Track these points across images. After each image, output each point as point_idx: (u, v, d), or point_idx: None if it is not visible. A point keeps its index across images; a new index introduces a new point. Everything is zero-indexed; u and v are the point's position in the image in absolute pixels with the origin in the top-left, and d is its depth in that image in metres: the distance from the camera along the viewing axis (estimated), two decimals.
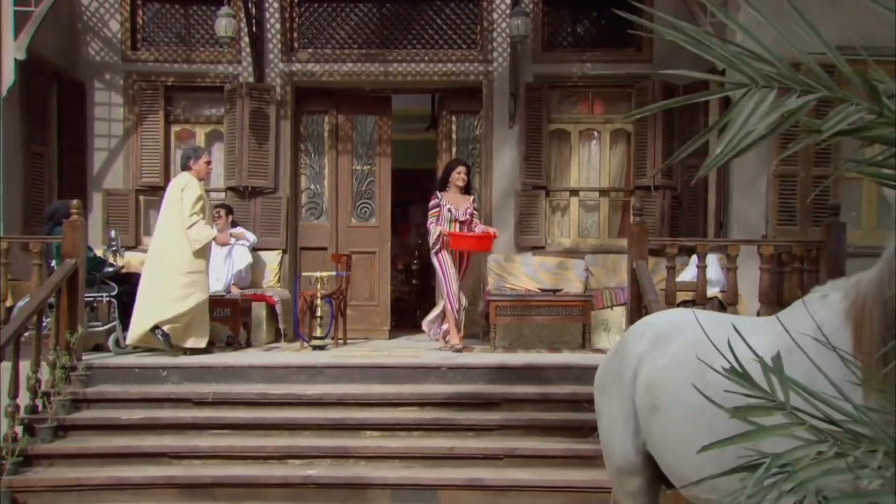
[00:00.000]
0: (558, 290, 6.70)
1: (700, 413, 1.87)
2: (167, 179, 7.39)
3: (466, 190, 6.34)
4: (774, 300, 4.81)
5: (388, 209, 7.98)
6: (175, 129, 7.73)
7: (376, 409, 4.75)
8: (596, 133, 7.60)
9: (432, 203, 6.21)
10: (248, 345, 6.46)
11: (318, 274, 6.43)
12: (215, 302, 6.15)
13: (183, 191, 5.53)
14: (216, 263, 6.77)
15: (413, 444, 4.52)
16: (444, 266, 6.17)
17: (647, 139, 7.15)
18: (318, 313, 6.34)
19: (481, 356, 5.71)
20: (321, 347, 6.24)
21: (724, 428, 1.68)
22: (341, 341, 6.58)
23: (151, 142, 7.53)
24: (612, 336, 6.56)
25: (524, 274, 7.23)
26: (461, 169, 6.24)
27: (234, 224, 7.17)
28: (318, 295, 6.38)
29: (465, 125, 7.87)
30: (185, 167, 5.71)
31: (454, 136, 7.87)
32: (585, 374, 4.96)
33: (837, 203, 4.70)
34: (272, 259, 7.45)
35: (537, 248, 7.43)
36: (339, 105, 7.83)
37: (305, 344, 6.34)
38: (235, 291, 6.67)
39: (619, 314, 6.71)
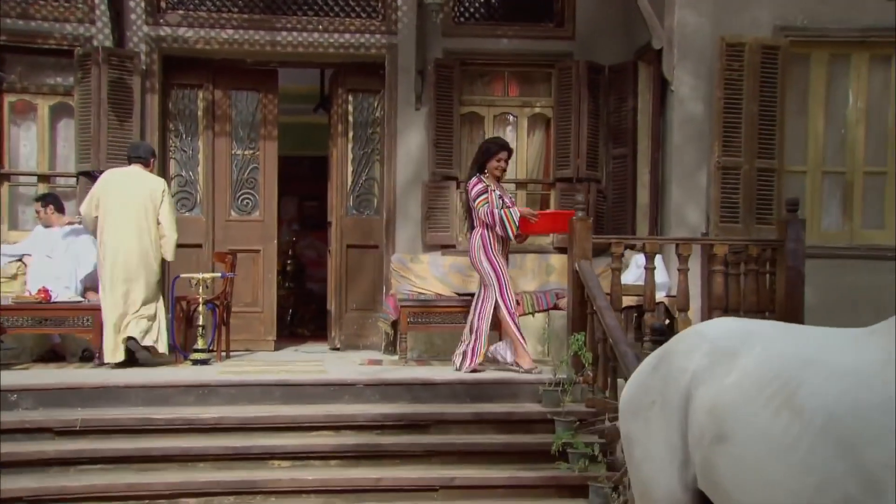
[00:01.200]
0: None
1: (791, 445, 1.70)
2: (1, 157, 6.68)
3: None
4: (724, 306, 4.90)
5: (274, 202, 7.55)
6: (9, 99, 6.95)
7: (285, 435, 4.43)
8: (512, 117, 7.48)
9: (479, 187, 5.55)
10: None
11: (199, 276, 5.98)
12: (71, 310, 5.61)
13: (164, 193, 5.86)
14: (58, 265, 6.21)
15: (332, 475, 4.22)
16: (500, 268, 5.57)
17: (571, 125, 7.13)
18: (200, 321, 5.90)
19: (400, 371, 5.48)
20: (203, 362, 5.86)
21: (824, 464, 1.56)
22: (224, 354, 6.16)
23: None
24: (533, 344, 6.50)
25: (433, 276, 7.04)
26: (503, 155, 5.55)
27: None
28: (200, 300, 5.93)
29: (364, 106, 7.57)
30: (145, 162, 5.91)
31: (351, 118, 7.55)
32: (522, 390, 4.87)
33: (796, 198, 4.84)
34: None
35: (447, 247, 7.20)
36: (215, 78, 7.34)
37: (184, 358, 5.92)
38: (93, 297, 6.08)
39: (540, 321, 6.66)
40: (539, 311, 6.71)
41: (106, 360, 5.57)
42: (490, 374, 5.24)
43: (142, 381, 4.71)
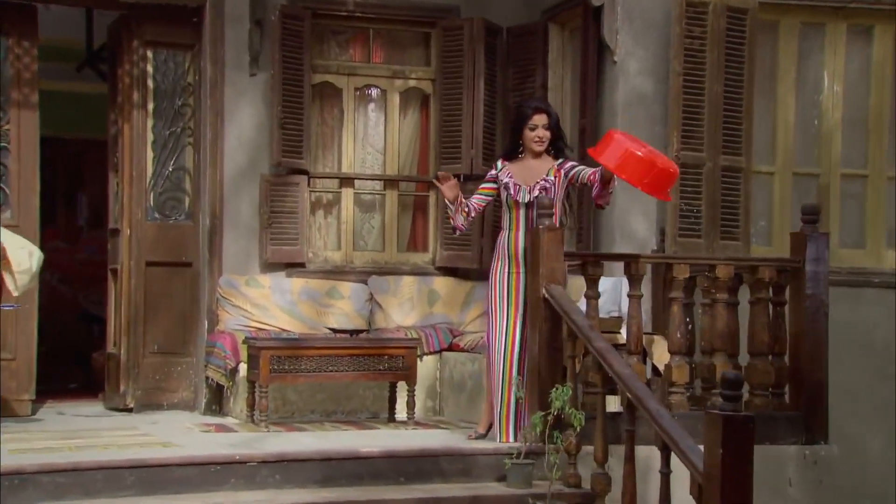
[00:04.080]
0: (361, 331, 6.07)
1: None
2: None
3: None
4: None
5: (34, 199, 6.54)
6: None
7: None
8: (376, 92, 7.12)
9: (490, 174, 5.06)
10: None
11: None
12: None
13: None
14: None
15: None
16: (497, 294, 4.94)
17: (461, 104, 6.84)
18: None
19: (290, 440, 4.84)
20: None
21: None
22: None
23: None
24: (422, 399, 6.14)
25: (277, 305, 6.54)
26: (539, 118, 4.85)
27: None
28: None
29: (171, 67, 6.81)
30: None
31: (150, 82, 6.73)
32: (475, 463, 4.53)
33: (816, 204, 4.82)
34: None
35: (295, 266, 6.73)
36: None
37: None
38: None
39: (431, 366, 6.34)
40: (428, 353, 6.37)
41: None
42: (423, 442, 4.80)
43: None
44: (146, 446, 4.64)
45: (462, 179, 6.89)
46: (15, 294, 5.44)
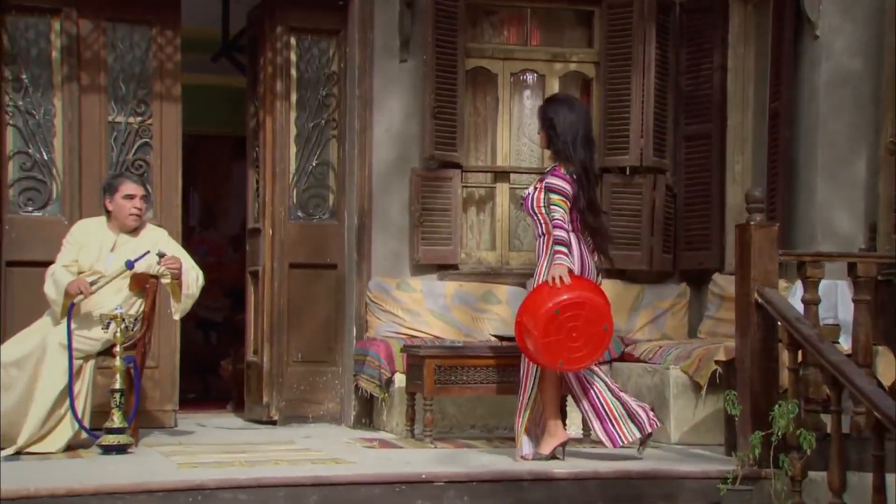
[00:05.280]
0: None
1: None
2: None
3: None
4: None
5: (176, 196, 6.61)
6: None
7: None
8: (532, 77, 7.01)
9: (560, 183, 4.76)
10: None
11: (118, 311, 5.04)
12: None
13: None
14: None
15: None
16: None
17: (630, 89, 6.64)
18: (117, 384, 5.06)
19: (468, 458, 4.72)
20: (121, 449, 4.99)
21: None
22: None
23: None
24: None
25: (430, 310, 6.48)
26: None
27: None
28: (118, 351, 5.07)
29: (315, 54, 6.82)
30: None
31: (294, 72, 6.75)
32: (681, 488, 4.35)
33: None
34: None
35: (447, 268, 6.68)
36: (79, 1, 6.36)
37: (91, 439, 5.03)
38: None
39: None
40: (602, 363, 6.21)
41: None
42: (615, 463, 4.63)
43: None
44: (318, 463, 4.56)
45: (628, 172, 6.76)
46: (175, 318, 5.49)
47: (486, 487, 4.21)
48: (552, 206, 4.73)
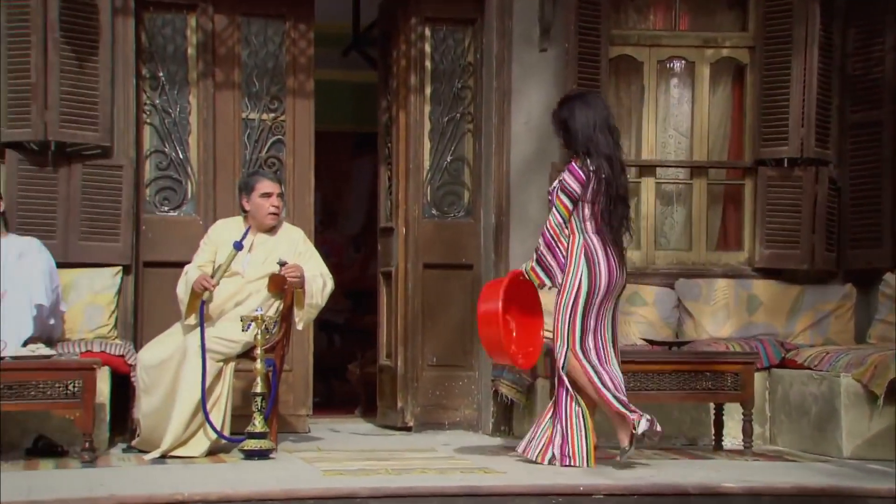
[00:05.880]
0: (680, 343, 5.80)
1: None
2: None
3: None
4: None
5: (308, 194, 6.69)
6: None
7: None
8: (681, 64, 6.87)
9: (571, 183, 4.89)
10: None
11: (258, 312, 5.11)
12: (43, 371, 4.80)
13: None
14: None
15: None
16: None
17: (790, 74, 6.43)
18: (258, 387, 5.11)
19: (624, 469, 4.64)
20: (262, 454, 5.05)
21: None
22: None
23: None
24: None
25: None
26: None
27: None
28: (259, 354, 5.12)
29: (449, 45, 6.79)
30: None
31: (428, 63, 6.74)
32: None
33: None
34: (101, 284, 6.01)
35: None
36: None
37: (231, 443, 5.14)
38: (42, 349, 5.14)
39: (758, 386, 5.87)
40: (757, 370, 6.01)
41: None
42: (791, 477, 4.46)
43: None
44: (467, 472, 4.51)
45: (787, 164, 6.55)
46: (298, 327, 5.51)
47: (647, 501, 4.10)
48: (553, 209, 4.89)
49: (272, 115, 6.60)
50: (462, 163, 6.81)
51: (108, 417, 5.45)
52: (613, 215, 4.84)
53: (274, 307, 5.42)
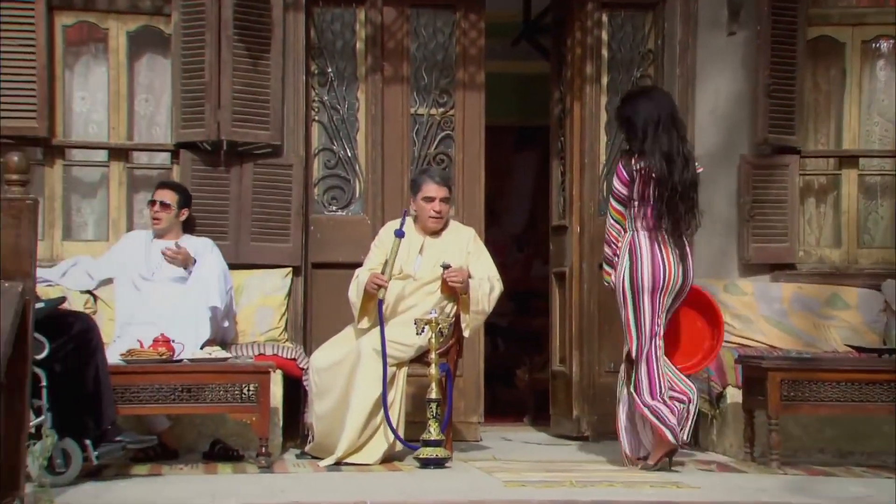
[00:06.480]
0: (889, 350, 5.55)
1: None
2: (53, 123, 6.08)
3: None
4: None
5: (479, 192, 6.68)
6: (63, 20, 6.23)
7: None
8: (889, 45, 6.66)
9: (617, 186, 5.16)
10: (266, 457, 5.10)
11: (432, 315, 5.13)
12: (223, 374, 4.95)
13: None
14: (173, 301, 5.49)
15: None
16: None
17: None
18: (433, 393, 5.14)
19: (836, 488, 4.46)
20: (439, 462, 5.08)
21: None
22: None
23: (17, 48, 6.04)
24: None
25: (763, 316, 6.27)
26: None
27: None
28: (433, 358, 5.15)
29: (627, 32, 6.72)
30: None
31: (605, 52, 6.67)
32: None
33: None
34: (272, 286, 6.14)
35: (782, 267, 6.48)
36: None
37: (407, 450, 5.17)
38: (219, 352, 5.30)
39: None
40: None
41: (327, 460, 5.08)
42: None
43: None
44: (657, 486, 4.41)
45: None
46: (465, 334, 5.46)
47: None
48: (608, 215, 5.20)
49: (441, 109, 6.63)
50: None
51: (281, 422, 5.56)
52: (669, 213, 5.00)
53: (447, 309, 5.41)
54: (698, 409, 5.92)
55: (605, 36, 6.67)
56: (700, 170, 5.24)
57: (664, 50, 6.59)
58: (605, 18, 6.67)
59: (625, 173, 5.05)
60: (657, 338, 4.99)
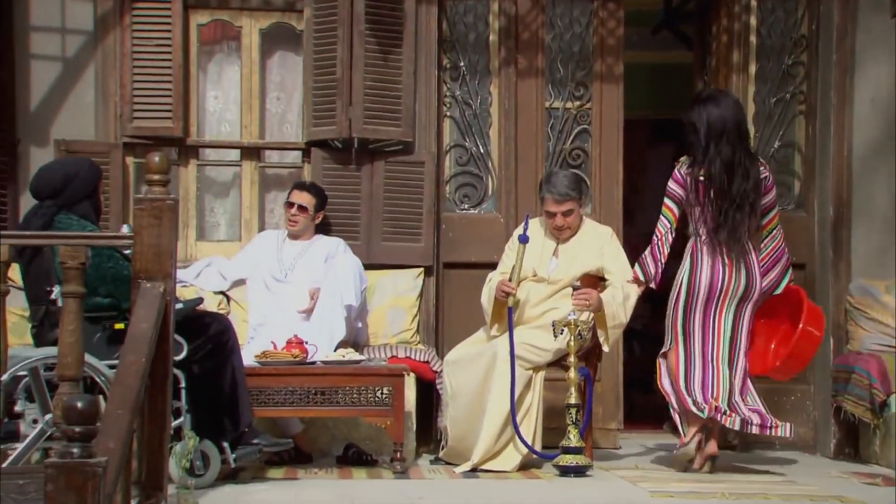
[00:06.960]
0: None
1: None
2: (187, 123, 6.20)
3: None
4: None
5: (617, 190, 6.61)
6: (198, 19, 6.38)
7: None
8: None
9: (673, 187, 5.40)
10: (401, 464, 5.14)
11: (571, 318, 5.08)
12: (357, 376, 5.01)
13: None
14: (301, 303, 5.59)
15: None
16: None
17: None
18: (572, 398, 5.08)
19: None
20: (579, 470, 5.02)
21: None
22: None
23: (153, 47, 6.18)
24: None
25: None
26: None
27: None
28: (571, 360, 5.11)
29: (779, 17, 6.57)
30: None
31: (753, 38, 6.53)
32: None
33: None
34: (404, 286, 6.17)
35: None
36: None
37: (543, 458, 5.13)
38: (352, 354, 5.34)
39: None
40: None
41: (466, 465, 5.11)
42: None
43: None
44: (817, 500, 4.31)
45: None
46: (604, 349, 5.42)
47: None
48: (661, 213, 5.37)
49: (577, 102, 6.57)
50: (792, 149, 6.60)
51: (414, 426, 5.58)
52: (726, 222, 5.17)
53: (587, 312, 5.35)
54: (858, 418, 5.83)
55: (753, 21, 6.54)
56: (765, 174, 5.38)
57: (819, 35, 6.43)
58: (753, 3, 6.55)
59: (679, 177, 5.27)
60: (715, 342, 5.27)
